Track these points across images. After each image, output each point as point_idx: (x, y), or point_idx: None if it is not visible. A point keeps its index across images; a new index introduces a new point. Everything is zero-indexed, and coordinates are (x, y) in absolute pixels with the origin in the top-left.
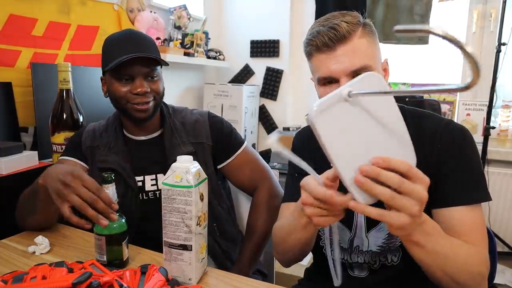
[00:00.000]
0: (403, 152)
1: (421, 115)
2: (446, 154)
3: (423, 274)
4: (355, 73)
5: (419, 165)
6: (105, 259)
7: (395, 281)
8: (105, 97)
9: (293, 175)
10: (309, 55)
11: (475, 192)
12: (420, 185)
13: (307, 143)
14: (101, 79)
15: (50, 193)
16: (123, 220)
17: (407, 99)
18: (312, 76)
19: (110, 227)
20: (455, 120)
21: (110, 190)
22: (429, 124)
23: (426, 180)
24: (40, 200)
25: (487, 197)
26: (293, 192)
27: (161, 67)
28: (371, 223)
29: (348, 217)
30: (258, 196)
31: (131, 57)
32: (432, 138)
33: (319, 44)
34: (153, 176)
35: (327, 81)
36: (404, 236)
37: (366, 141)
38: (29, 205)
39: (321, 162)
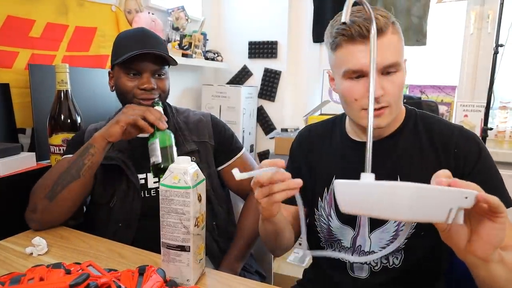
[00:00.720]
0: None
1: (431, 121)
2: (466, 162)
3: (423, 277)
4: (385, 69)
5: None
6: (159, 159)
7: (395, 284)
8: (111, 91)
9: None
10: (336, 46)
11: (503, 198)
12: None
13: (304, 144)
14: (109, 73)
15: (110, 130)
16: (171, 134)
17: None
18: (330, 69)
19: (162, 133)
20: (453, 122)
21: (158, 109)
22: (441, 130)
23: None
24: (91, 156)
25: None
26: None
27: (169, 67)
28: (376, 224)
29: (350, 219)
30: (250, 200)
31: (141, 52)
32: (446, 145)
33: (354, 34)
34: None
35: (356, 76)
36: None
37: None
38: (68, 174)
39: (315, 163)
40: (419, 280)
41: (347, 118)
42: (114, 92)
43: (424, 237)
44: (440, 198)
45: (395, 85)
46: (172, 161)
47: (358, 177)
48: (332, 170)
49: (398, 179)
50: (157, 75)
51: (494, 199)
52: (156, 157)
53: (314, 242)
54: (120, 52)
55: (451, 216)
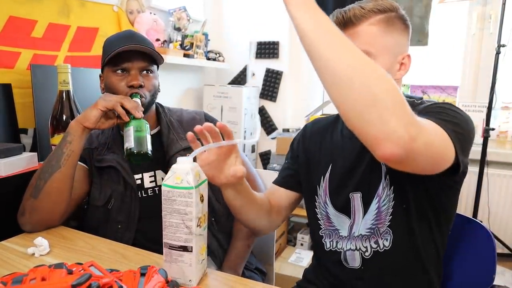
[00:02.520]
0: None
1: (423, 105)
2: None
3: (418, 264)
4: None
5: None
6: (132, 144)
7: (389, 272)
8: (102, 93)
9: (287, 161)
10: None
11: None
12: None
13: (307, 135)
14: (100, 76)
15: (86, 114)
16: (146, 122)
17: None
18: None
19: (137, 120)
20: None
21: (136, 101)
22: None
23: None
24: (68, 143)
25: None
26: (282, 177)
27: (158, 68)
28: (365, 207)
29: (344, 206)
30: None
31: (128, 46)
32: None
33: (336, 24)
34: (152, 173)
35: None
36: None
37: None
38: (49, 166)
39: (314, 153)
40: (413, 268)
41: None
42: None
43: (408, 210)
44: None
45: None
46: (146, 148)
47: (352, 166)
48: (329, 160)
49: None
50: (144, 72)
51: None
52: (129, 143)
53: (315, 230)
54: (109, 51)
55: None
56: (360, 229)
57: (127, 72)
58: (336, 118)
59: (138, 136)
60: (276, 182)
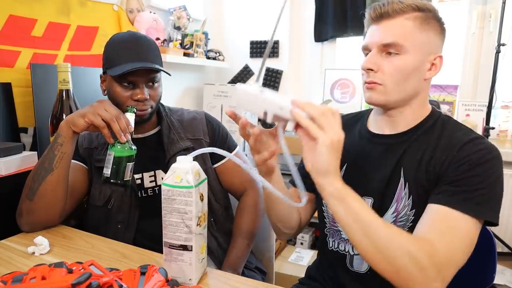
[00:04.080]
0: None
1: (450, 125)
2: (460, 162)
3: None
4: (384, 47)
5: (430, 160)
6: (109, 172)
7: None
8: (104, 94)
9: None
10: (366, 26)
11: (476, 206)
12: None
13: None
14: (101, 76)
15: (75, 120)
16: (133, 147)
17: None
18: None
19: (120, 148)
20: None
21: (129, 118)
22: (453, 133)
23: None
24: (59, 146)
25: (488, 215)
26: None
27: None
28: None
29: None
30: (246, 198)
31: (136, 68)
32: (449, 145)
33: (372, 16)
34: (152, 173)
35: (366, 53)
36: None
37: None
38: (42, 168)
39: None
40: None
41: (372, 111)
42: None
43: None
44: (261, 103)
45: (392, 66)
46: (123, 179)
47: (366, 164)
48: (344, 159)
49: (402, 172)
50: (150, 83)
51: (306, 122)
52: (107, 170)
53: (321, 227)
54: (113, 60)
55: (268, 117)
56: None
57: (132, 84)
58: (356, 116)
59: (117, 165)
60: (293, 184)
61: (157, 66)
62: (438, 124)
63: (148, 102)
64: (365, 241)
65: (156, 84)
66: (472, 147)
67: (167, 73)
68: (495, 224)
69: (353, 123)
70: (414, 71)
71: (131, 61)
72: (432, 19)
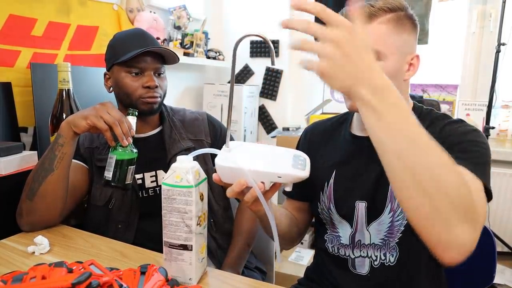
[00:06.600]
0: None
1: (436, 116)
2: (446, 138)
3: (423, 277)
4: None
5: None
6: (110, 176)
7: (394, 284)
8: (109, 92)
9: None
10: None
11: (474, 166)
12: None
13: (308, 139)
14: (105, 74)
15: (76, 121)
16: (134, 150)
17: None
18: None
19: (121, 152)
20: None
21: (131, 121)
22: (440, 123)
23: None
24: (59, 146)
25: (483, 179)
26: (295, 191)
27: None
28: (372, 216)
29: (348, 213)
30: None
31: (147, 49)
32: (438, 132)
33: None
34: (153, 173)
35: None
36: (348, 87)
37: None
38: (42, 168)
39: (317, 157)
40: (418, 279)
41: (355, 114)
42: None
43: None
44: (240, 174)
45: None
46: (124, 182)
47: (354, 168)
48: (332, 165)
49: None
50: (157, 74)
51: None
52: (108, 173)
53: (321, 233)
54: (121, 51)
55: (266, 186)
56: (372, 239)
57: (141, 73)
58: (339, 120)
59: (119, 168)
60: (286, 195)
61: (167, 48)
62: (421, 118)
63: (158, 90)
64: (403, 171)
65: (162, 76)
66: (453, 124)
67: (175, 56)
68: (489, 193)
69: (336, 127)
70: (394, 75)
71: (139, 48)
72: (405, 19)
